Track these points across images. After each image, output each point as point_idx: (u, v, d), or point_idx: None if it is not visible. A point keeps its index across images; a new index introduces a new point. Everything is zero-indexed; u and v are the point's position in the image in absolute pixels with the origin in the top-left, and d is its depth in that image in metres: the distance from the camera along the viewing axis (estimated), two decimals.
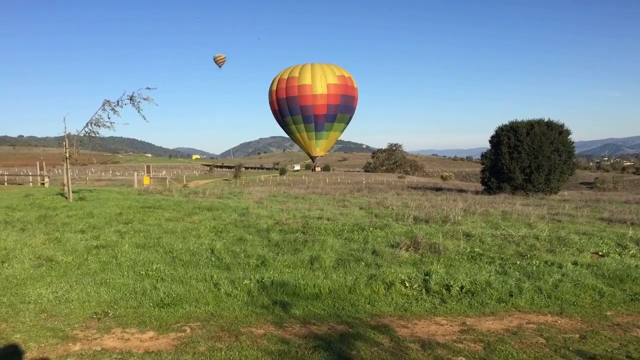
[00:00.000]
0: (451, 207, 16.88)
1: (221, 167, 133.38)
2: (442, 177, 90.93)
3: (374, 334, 5.73)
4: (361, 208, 17.63)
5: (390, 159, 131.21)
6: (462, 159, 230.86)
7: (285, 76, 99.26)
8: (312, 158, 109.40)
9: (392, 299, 7.03)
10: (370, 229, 11.71)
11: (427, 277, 7.57)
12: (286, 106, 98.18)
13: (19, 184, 39.56)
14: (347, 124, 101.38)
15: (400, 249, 9.45)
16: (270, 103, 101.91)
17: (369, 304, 6.86)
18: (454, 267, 8.45)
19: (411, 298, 7.07)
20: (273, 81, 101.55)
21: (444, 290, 7.26)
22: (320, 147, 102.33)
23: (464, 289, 7.27)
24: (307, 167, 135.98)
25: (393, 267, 8.27)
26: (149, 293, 7.00)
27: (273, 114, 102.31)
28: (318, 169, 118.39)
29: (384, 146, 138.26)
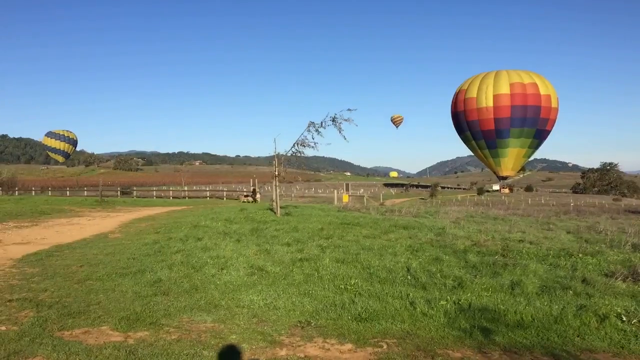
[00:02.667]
0: None
1: (417, 186, 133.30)
2: None
3: None
4: (568, 232, 16.22)
5: (604, 180, 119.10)
6: None
7: (459, 89, 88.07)
8: (499, 178, 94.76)
9: (606, 333, 6.33)
10: (580, 255, 10.71)
11: None
12: (458, 122, 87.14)
13: (235, 199, 44.15)
14: (538, 139, 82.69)
15: (616, 278, 8.48)
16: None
17: (578, 336, 6.27)
18: None
19: (629, 334, 6.29)
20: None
21: None
22: (501, 166, 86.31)
23: None
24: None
25: (607, 298, 7.46)
26: (347, 306, 7.25)
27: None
28: (506, 190, 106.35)
29: (596, 165, 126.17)
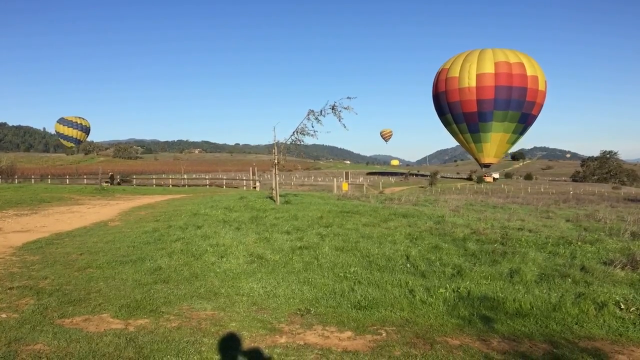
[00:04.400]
0: None
1: (417, 174, 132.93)
2: None
3: (582, 357, 5.25)
4: (568, 220, 16.26)
5: (603, 168, 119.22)
6: None
7: (441, 68, 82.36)
8: (481, 165, 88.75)
9: (605, 321, 6.36)
10: (579, 243, 10.74)
11: None
12: (439, 103, 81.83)
13: (235, 187, 44.24)
14: (523, 123, 77.55)
15: (615, 267, 8.51)
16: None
17: (576, 324, 6.30)
18: None
19: (627, 322, 6.32)
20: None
21: None
22: (483, 152, 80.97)
23: None
24: (507, 175, 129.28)
25: (605, 286, 7.50)
26: (347, 294, 7.28)
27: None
28: (489, 178, 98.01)
29: (595, 153, 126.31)
